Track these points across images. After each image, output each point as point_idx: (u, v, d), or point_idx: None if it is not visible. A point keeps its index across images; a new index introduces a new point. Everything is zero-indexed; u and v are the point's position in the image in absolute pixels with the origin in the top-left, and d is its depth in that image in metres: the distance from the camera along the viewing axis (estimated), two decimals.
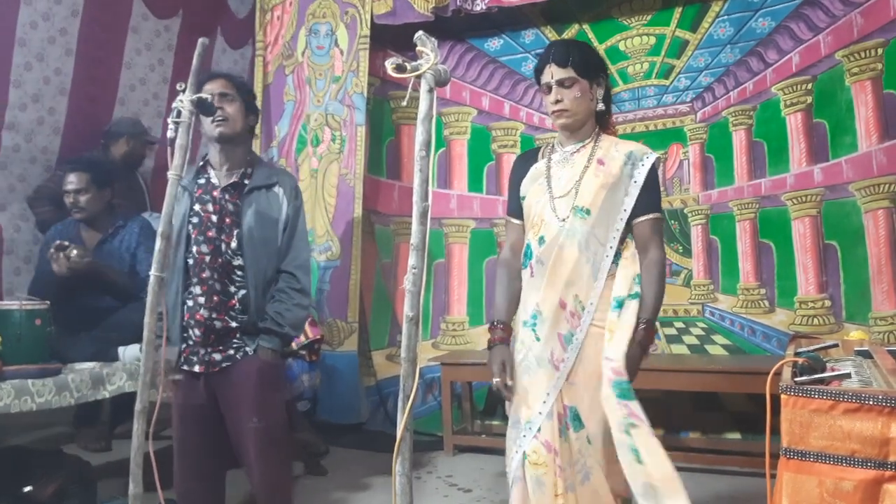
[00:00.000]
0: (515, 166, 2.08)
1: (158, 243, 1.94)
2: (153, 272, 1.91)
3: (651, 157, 1.90)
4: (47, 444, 3.54)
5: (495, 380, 1.92)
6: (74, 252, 2.80)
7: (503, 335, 1.97)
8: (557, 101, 1.88)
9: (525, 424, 1.88)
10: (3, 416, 2.29)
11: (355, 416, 4.10)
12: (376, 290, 4.39)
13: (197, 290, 2.26)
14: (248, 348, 2.28)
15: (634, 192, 1.87)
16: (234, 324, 2.27)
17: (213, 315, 2.25)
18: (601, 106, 1.93)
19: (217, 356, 2.26)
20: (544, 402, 1.87)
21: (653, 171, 1.89)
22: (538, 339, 1.89)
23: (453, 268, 4.26)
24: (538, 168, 1.99)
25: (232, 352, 2.27)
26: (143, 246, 3.06)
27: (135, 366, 2.69)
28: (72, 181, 3.04)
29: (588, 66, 1.89)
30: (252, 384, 2.26)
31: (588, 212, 1.87)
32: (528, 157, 2.06)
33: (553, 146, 2.01)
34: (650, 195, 1.88)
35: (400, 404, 1.55)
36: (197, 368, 2.26)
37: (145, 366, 1.92)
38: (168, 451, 2.34)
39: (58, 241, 2.84)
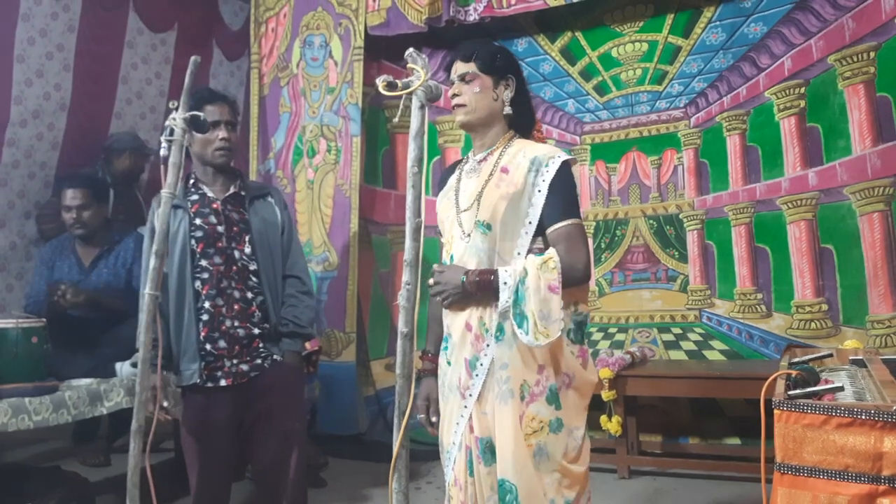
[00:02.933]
0: (440, 180, 1.95)
1: (152, 262, 1.94)
2: (147, 290, 1.92)
3: (556, 160, 1.71)
4: (45, 460, 3.54)
5: (419, 416, 1.84)
6: (69, 294, 2.85)
7: (430, 366, 1.88)
8: (455, 95, 1.77)
9: (446, 453, 1.79)
10: (1, 434, 2.29)
11: (354, 427, 4.09)
12: (374, 299, 4.39)
13: (219, 301, 2.28)
14: (275, 356, 2.32)
15: (539, 201, 1.69)
16: (256, 330, 2.31)
17: (236, 324, 2.29)
18: (507, 109, 1.79)
19: (245, 367, 2.29)
20: (455, 431, 1.75)
21: (561, 175, 1.70)
22: (449, 364, 1.78)
23: None
24: (450, 181, 1.87)
25: (259, 361, 2.31)
26: (139, 261, 3.08)
27: (132, 381, 2.68)
28: (73, 197, 3.05)
29: (492, 63, 1.77)
30: (287, 389, 2.33)
31: (489, 226, 1.72)
32: (449, 169, 1.93)
33: (468, 156, 1.88)
34: (559, 201, 1.70)
35: (395, 420, 1.55)
36: (223, 382, 2.27)
37: (141, 385, 1.92)
38: (165, 466, 2.34)
39: (59, 288, 2.86)
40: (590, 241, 3.99)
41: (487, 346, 1.70)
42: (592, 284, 3.96)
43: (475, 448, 1.72)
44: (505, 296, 1.64)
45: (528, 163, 1.72)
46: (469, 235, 1.75)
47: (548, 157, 1.72)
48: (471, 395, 1.72)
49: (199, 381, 2.27)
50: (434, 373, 1.87)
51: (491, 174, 1.76)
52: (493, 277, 1.66)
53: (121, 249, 3.13)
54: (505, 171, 1.74)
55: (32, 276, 3.21)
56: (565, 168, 1.72)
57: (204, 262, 2.29)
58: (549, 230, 1.70)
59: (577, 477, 1.70)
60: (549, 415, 1.67)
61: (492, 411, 1.70)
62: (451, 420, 1.77)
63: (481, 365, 1.71)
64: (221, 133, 2.28)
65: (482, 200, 1.74)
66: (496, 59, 1.79)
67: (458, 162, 1.92)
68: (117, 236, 3.15)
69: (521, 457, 1.65)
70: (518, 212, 1.71)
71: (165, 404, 2.14)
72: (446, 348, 1.81)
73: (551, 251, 1.68)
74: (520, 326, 1.63)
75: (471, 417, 1.73)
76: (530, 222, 1.70)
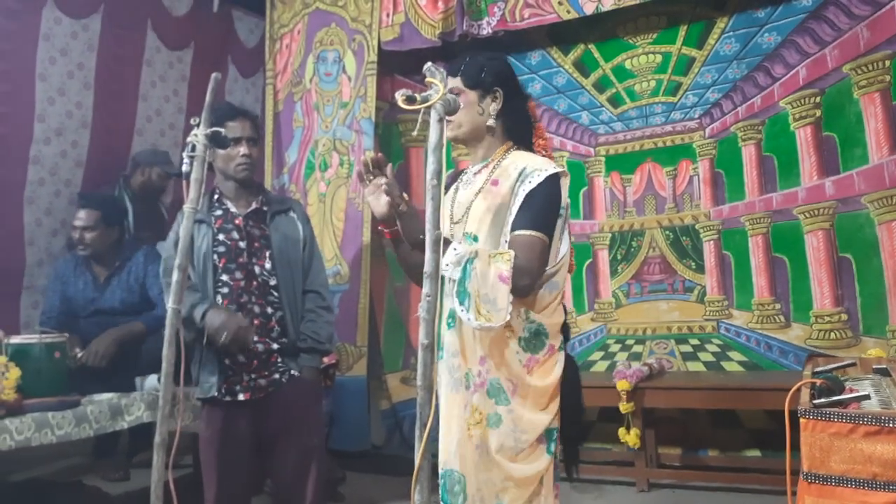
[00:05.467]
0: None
1: (175, 275, 1.96)
2: (170, 304, 1.93)
3: (542, 173, 1.67)
4: (66, 476, 3.56)
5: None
6: (96, 354, 2.87)
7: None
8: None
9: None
10: (23, 449, 2.32)
11: (365, 442, 4.06)
12: (389, 313, 4.39)
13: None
14: (293, 371, 2.33)
15: (515, 209, 1.68)
16: (274, 345, 2.33)
17: (255, 339, 2.30)
18: (491, 121, 1.77)
19: (262, 381, 2.31)
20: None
21: (542, 187, 1.67)
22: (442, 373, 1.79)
23: None
24: (449, 193, 1.87)
25: (277, 376, 2.33)
26: (151, 271, 3.12)
27: (153, 396, 2.70)
28: (80, 218, 3.09)
29: (477, 77, 1.76)
30: (305, 404, 2.33)
31: (476, 238, 1.73)
32: (451, 178, 1.93)
33: (467, 168, 1.88)
34: (530, 210, 1.66)
35: (417, 432, 1.55)
36: (242, 396, 2.29)
37: (164, 398, 1.93)
38: (186, 480, 2.35)
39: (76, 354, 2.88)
40: (605, 252, 3.99)
41: (442, 333, 1.72)
42: (608, 296, 3.96)
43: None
44: (450, 258, 1.61)
45: (517, 174, 1.71)
46: None
47: (535, 169, 1.69)
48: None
49: (217, 394, 2.29)
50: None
51: (482, 187, 1.77)
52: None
53: (132, 265, 3.17)
54: (495, 183, 1.75)
55: (47, 292, 3.24)
56: (549, 181, 1.69)
57: (225, 277, 2.32)
58: (512, 233, 1.67)
59: (523, 480, 1.66)
60: (488, 408, 1.68)
61: (445, 399, 1.72)
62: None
63: (440, 352, 1.72)
64: (243, 149, 2.32)
65: (470, 213, 1.76)
66: (482, 72, 1.77)
67: (461, 172, 1.93)
68: (128, 252, 3.18)
69: (465, 447, 1.67)
70: (500, 223, 1.71)
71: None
72: (441, 356, 1.79)
73: (511, 250, 1.65)
74: (461, 303, 1.62)
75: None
76: (507, 230, 1.70)
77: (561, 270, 1.77)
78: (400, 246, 1.85)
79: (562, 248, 1.77)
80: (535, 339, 1.72)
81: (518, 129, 1.83)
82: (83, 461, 3.77)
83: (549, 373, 1.72)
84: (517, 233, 1.67)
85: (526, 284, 1.65)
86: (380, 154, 1.81)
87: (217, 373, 2.29)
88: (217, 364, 2.29)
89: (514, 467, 1.67)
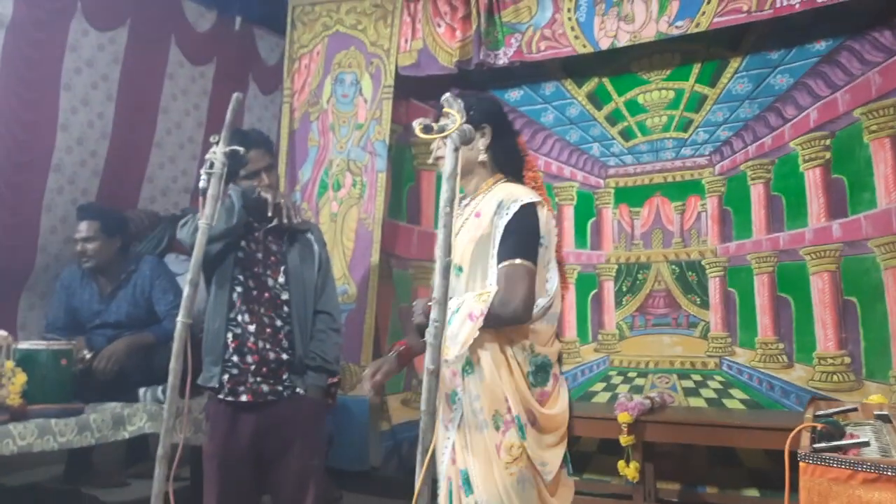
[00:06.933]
0: None
1: (186, 290, 1.99)
2: (180, 318, 1.96)
3: (516, 204, 1.75)
4: (63, 483, 3.56)
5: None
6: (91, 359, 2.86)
7: (400, 348, 1.99)
8: (436, 149, 1.88)
9: (440, 483, 1.85)
10: (26, 455, 2.33)
11: (365, 463, 4.05)
12: (393, 333, 4.41)
13: (246, 317, 2.34)
14: (299, 388, 2.35)
15: (497, 242, 1.75)
16: (284, 356, 2.35)
17: (267, 346, 2.34)
18: (483, 156, 1.86)
19: (265, 387, 2.33)
20: (441, 461, 1.82)
21: (518, 217, 1.74)
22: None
23: None
24: None
25: (280, 388, 2.34)
26: (157, 285, 3.12)
27: (155, 407, 2.72)
28: (80, 230, 3.08)
29: (466, 115, 1.82)
30: (307, 424, 2.35)
31: (461, 269, 1.80)
32: None
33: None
34: (508, 242, 1.73)
35: (419, 457, 1.56)
36: (244, 398, 2.31)
37: (169, 411, 1.95)
38: (185, 492, 2.36)
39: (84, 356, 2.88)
40: (610, 283, 4.00)
41: (462, 380, 1.76)
42: (612, 327, 3.96)
43: (456, 479, 1.77)
44: (448, 321, 1.68)
45: (496, 206, 1.77)
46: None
47: (511, 200, 1.76)
48: (452, 427, 1.79)
49: (217, 385, 2.31)
50: (404, 352, 1.96)
51: (467, 219, 1.84)
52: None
53: (138, 279, 3.13)
54: (478, 215, 1.81)
55: (53, 301, 3.23)
56: (524, 210, 1.75)
57: (241, 278, 2.38)
58: (497, 268, 1.74)
59: None
60: (518, 444, 1.73)
61: (472, 441, 1.75)
62: (439, 451, 1.83)
63: (459, 399, 1.77)
64: (263, 181, 2.39)
65: (456, 245, 1.81)
66: (470, 110, 1.80)
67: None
68: (133, 265, 3.17)
69: (505, 486, 1.70)
70: (484, 255, 1.77)
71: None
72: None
73: (492, 288, 1.72)
74: None
75: (453, 449, 1.78)
76: (493, 262, 1.76)
77: (555, 302, 1.83)
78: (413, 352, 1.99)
79: (550, 279, 1.82)
80: (541, 373, 1.78)
81: (507, 162, 1.90)
82: (81, 468, 3.76)
83: (557, 402, 1.80)
84: (501, 265, 1.73)
85: (512, 311, 1.68)
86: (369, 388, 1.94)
87: (220, 364, 2.31)
88: (221, 357, 2.32)
89: (553, 501, 1.75)
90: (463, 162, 1.80)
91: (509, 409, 1.73)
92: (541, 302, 1.78)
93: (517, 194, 1.78)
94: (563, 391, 1.83)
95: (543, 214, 1.79)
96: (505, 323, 1.71)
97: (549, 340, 1.82)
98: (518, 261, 1.71)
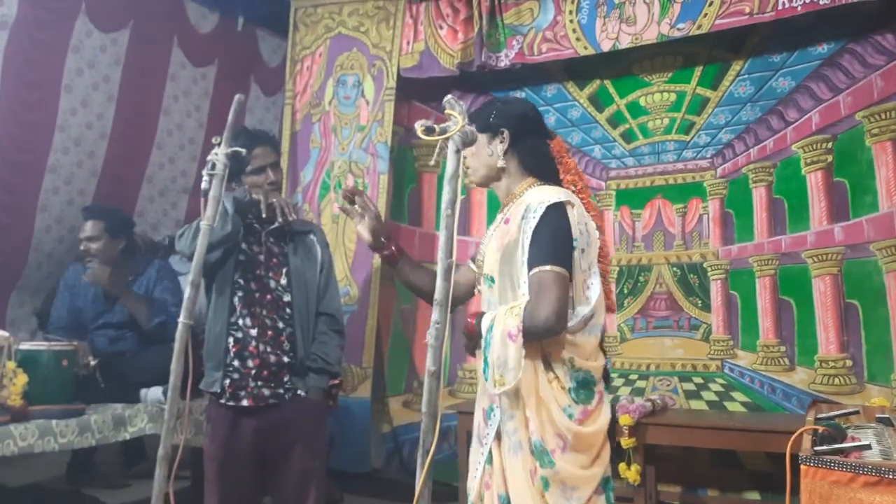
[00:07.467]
0: None
1: (188, 291, 1.99)
2: (182, 319, 1.96)
3: (542, 206, 1.65)
4: (63, 483, 3.56)
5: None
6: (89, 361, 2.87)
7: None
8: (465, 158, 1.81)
9: (469, 500, 1.77)
10: (27, 456, 2.33)
11: (366, 465, 4.06)
12: (394, 335, 4.41)
13: (248, 321, 2.34)
14: (300, 390, 2.35)
15: (527, 250, 1.65)
16: (286, 359, 2.35)
17: (268, 349, 2.33)
18: (501, 162, 1.78)
19: (266, 391, 2.32)
20: (475, 478, 1.74)
21: (544, 220, 1.64)
22: (474, 411, 1.82)
23: None
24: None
25: (281, 391, 2.34)
26: (161, 285, 3.12)
27: (156, 408, 2.72)
28: (85, 230, 3.08)
29: (485, 123, 1.78)
30: (308, 426, 2.35)
31: (493, 279, 1.74)
32: None
33: None
34: (535, 248, 1.63)
35: (419, 459, 1.56)
36: (245, 402, 2.31)
37: (170, 412, 1.95)
38: (186, 493, 2.36)
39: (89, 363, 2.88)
40: (612, 286, 4.00)
41: (497, 395, 1.68)
42: (613, 330, 3.96)
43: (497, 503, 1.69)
44: (486, 342, 1.64)
45: (523, 211, 1.69)
46: (482, 289, 1.81)
47: (538, 202, 1.67)
48: (486, 443, 1.72)
49: (219, 389, 2.31)
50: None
51: (497, 227, 1.79)
52: (474, 322, 1.70)
53: (143, 281, 3.12)
54: (507, 222, 1.75)
55: (55, 301, 3.21)
56: (552, 212, 1.65)
57: (241, 281, 2.37)
58: (528, 276, 1.64)
59: None
60: (553, 472, 1.63)
61: (507, 464, 1.68)
62: (471, 465, 1.79)
63: (495, 415, 1.71)
64: (269, 178, 2.39)
65: (486, 254, 1.78)
66: (489, 117, 1.80)
67: None
68: (140, 267, 3.16)
69: None
70: (514, 263, 1.68)
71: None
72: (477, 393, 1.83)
73: (524, 298, 1.64)
74: (484, 373, 1.64)
75: (485, 472, 1.72)
76: (524, 270, 1.67)
77: (598, 312, 1.73)
78: (395, 267, 1.93)
79: (591, 285, 1.72)
80: (583, 390, 1.69)
81: (539, 165, 1.81)
82: (81, 469, 3.76)
83: (597, 419, 1.70)
84: (530, 273, 1.63)
85: (541, 323, 1.58)
86: (350, 185, 1.89)
87: (221, 369, 2.31)
88: (222, 361, 2.32)
89: None
90: (486, 171, 1.81)
91: (542, 436, 1.63)
92: (580, 311, 1.68)
93: (543, 196, 1.68)
94: (606, 409, 1.72)
95: (575, 215, 1.68)
96: (539, 336, 1.61)
97: (593, 354, 1.72)
98: (547, 267, 1.61)
